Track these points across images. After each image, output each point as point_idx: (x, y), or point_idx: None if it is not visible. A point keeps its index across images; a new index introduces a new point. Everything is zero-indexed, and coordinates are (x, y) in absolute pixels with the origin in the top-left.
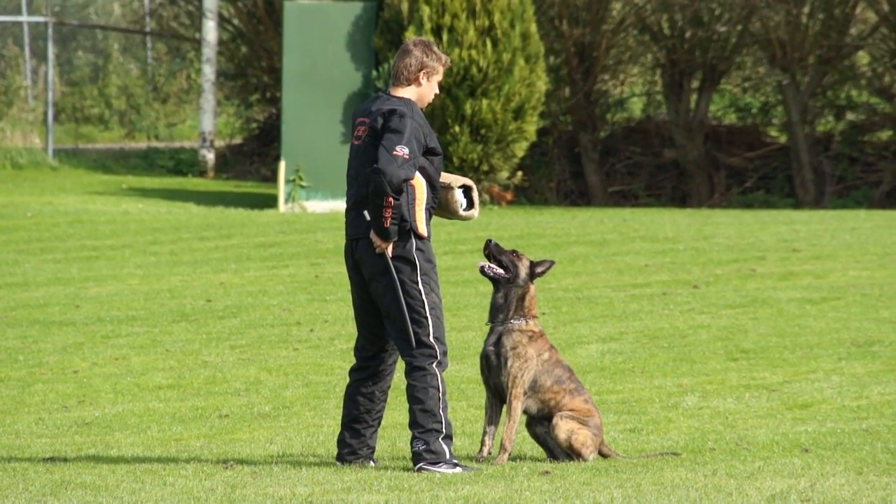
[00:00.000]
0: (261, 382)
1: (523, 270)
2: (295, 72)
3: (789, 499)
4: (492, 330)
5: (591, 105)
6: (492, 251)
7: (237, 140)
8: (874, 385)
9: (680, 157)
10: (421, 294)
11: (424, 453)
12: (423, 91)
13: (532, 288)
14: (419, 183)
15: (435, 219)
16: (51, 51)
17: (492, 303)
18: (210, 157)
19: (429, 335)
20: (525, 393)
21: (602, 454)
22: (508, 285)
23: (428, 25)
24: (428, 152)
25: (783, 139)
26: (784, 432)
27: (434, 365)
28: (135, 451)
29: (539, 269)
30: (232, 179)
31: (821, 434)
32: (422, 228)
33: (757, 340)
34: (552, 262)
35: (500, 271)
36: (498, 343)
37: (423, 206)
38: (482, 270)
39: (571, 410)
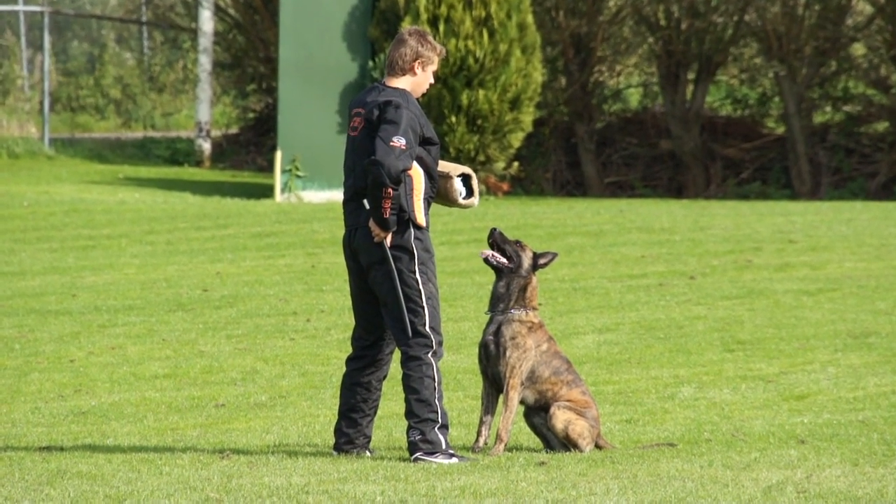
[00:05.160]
0: (257, 372)
1: (526, 261)
2: (291, 62)
3: (785, 490)
4: (491, 319)
5: (588, 96)
6: (496, 240)
7: (233, 130)
8: (870, 376)
9: (676, 148)
10: (418, 283)
11: (420, 443)
12: (418, 81)
13: (534, 279)
14: (417, 173)
15: (432, 209)
16: (47, 40)
17: (493, 292)
18: (206, 146)
19: (425, 325)
20: (522, 383)
21: (598, 446)
22: (511, 275)
23: (424, 16)
24: (425, 142)
25: (780, 130)
26: (780, 423)
27: (430, 355)
28: (131, 440)
29: (542, 261)
30: (228, 169)
31: (817, 425)
32: (420, 218)
33: (753, 332)
34: (555, 254)
35: (504, 260)
36: (497, 332)
37: (422, 196)
38: (486, 259)
39: (569, 401)
